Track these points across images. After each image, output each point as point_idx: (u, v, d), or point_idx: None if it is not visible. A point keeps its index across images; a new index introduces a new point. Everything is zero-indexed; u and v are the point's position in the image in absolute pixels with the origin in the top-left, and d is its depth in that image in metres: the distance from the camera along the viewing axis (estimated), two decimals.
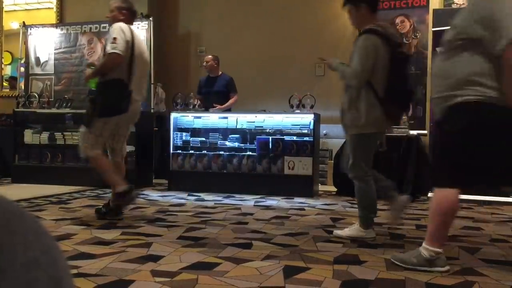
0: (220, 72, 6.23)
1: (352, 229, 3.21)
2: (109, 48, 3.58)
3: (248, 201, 4.92)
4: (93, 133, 3.69)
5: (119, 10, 3.82)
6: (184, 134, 5.93)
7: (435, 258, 2.40)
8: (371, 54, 2.99)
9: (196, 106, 5.92)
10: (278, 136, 5.55)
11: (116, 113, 3.67)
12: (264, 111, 5.96)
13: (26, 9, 9.11)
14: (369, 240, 3.11)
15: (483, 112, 2.29)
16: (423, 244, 2.44)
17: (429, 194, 5.44)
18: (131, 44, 3.64)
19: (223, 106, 5.92)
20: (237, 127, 5.75)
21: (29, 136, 6.33)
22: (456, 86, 2.33)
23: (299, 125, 5.53)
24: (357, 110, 3.05)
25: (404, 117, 5.82)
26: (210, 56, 6.25)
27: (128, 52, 3.62)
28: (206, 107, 5.95)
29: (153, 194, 5.37)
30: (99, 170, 3.75)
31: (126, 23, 3.73)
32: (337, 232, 3.25)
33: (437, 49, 2.61)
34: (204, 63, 6.27)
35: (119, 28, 3.62)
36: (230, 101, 6.04)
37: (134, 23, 4.05)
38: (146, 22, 7.58)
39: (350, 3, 3.16)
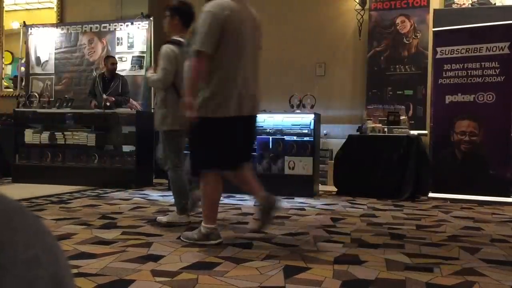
0: None
1: (170, 215, 3.61)
2: None
3: (248, 201, 4.92)
4: None
5: None
6: None
7: (210, 232, 2.89)
8: (172, 61, 3.50)
9: None
10: (278, 136, 5.55)
11: None
12: (264, 110, 5.94)
13: (26, 9, 9.12)
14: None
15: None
16: (202, 224, 2.95)
17: (429, 194, 5.45)
18: None
19: None
20: None
21: (29, 136, 6.33)
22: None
23: (299, 125, 5.53)
24: (165, 109, 3.53)
25: (404, 117, 5.83)
26: None
27: None
28: None
29: (153, 194, 5.37)
30: None
31: None
32: (159, 218, 3.62)
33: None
34: None
35: None
36: None
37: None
38: (147, 22, 7.58)
39: (168, 12, 3.62)
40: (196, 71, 2.82)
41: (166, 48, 3.54)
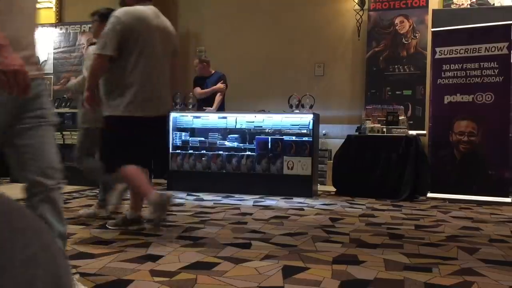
0: (213, 71, 6.21)
1: (91, 208, 3.87)
2: None
3: (247, 201, 4.93)
4: None
5: None
6: (183, 133, 5.93)
7: (159, 202, 2.95)
8: None
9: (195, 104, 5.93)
10: (277, 136, 5.55)
11: None
12: (263, 111, 5.95)
13: None
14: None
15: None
16: (148, 201, 3.02)
17: (428, 194, 5.45)
18: None
19: (213, 107, 5.88)
20: (236, 127, 5.75)
21: None
22: None
23: (298, 125, 5.53)
24: (86, 108, 3.67)
25: (403, 117, 5.83)
26: (196, 60, 6.30)
27: None
28: (199, 106, 5.95)
29: None
30: None
31: None
32: (80, 212, 3.85)
33: None
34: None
35: None
36: (216, 102, 5.92)
37: None
38: None
39: (97, 17, 3.87)
40: (96, 71, 3.14)
41: (93, 49, 3.63)
